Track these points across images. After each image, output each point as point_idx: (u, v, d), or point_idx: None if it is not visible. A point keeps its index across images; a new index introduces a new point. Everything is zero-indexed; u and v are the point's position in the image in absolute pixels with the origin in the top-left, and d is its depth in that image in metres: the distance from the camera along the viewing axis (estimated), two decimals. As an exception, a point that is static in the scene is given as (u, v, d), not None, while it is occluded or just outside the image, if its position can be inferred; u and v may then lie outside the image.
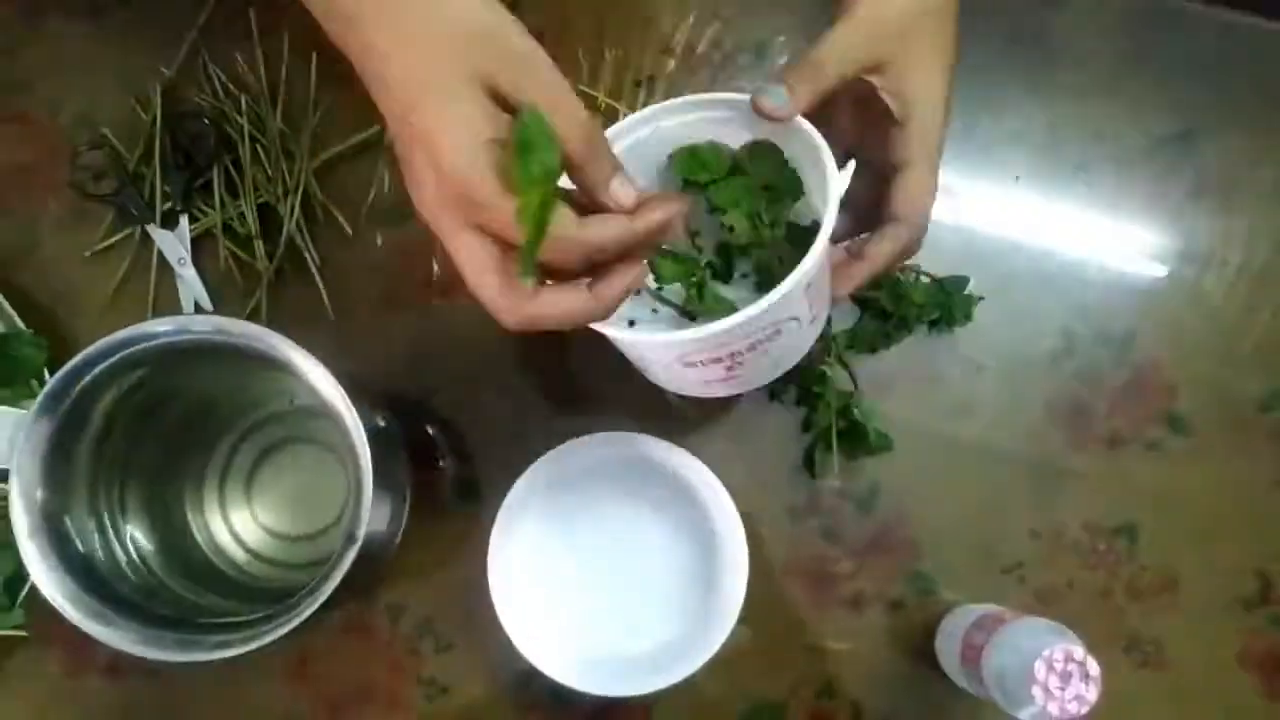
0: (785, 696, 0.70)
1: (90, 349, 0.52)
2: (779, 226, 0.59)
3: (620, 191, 0.47)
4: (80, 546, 0.55)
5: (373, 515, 0.53)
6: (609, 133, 0.57)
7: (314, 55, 0.73)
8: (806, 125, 0.55)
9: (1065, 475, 0.71)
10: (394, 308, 0.73)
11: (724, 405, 0.72)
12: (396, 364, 0.73)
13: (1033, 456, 0.71)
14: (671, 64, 0.75)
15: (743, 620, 0.66)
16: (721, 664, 0.65)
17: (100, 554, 0.56)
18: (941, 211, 0.71)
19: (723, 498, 0.67)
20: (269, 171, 0.72)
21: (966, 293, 0.71)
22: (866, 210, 0.59)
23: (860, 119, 0.58)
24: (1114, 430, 0.71)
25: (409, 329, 0.73)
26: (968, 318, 0.71)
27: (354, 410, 0.52)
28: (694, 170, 0.59)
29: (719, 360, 0.54)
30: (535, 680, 0.66)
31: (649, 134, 0.59)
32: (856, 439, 0.70)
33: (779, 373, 0.60)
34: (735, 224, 0.59)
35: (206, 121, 0.72)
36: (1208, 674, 0.70)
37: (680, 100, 0.58)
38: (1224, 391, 0.72)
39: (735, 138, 0.59)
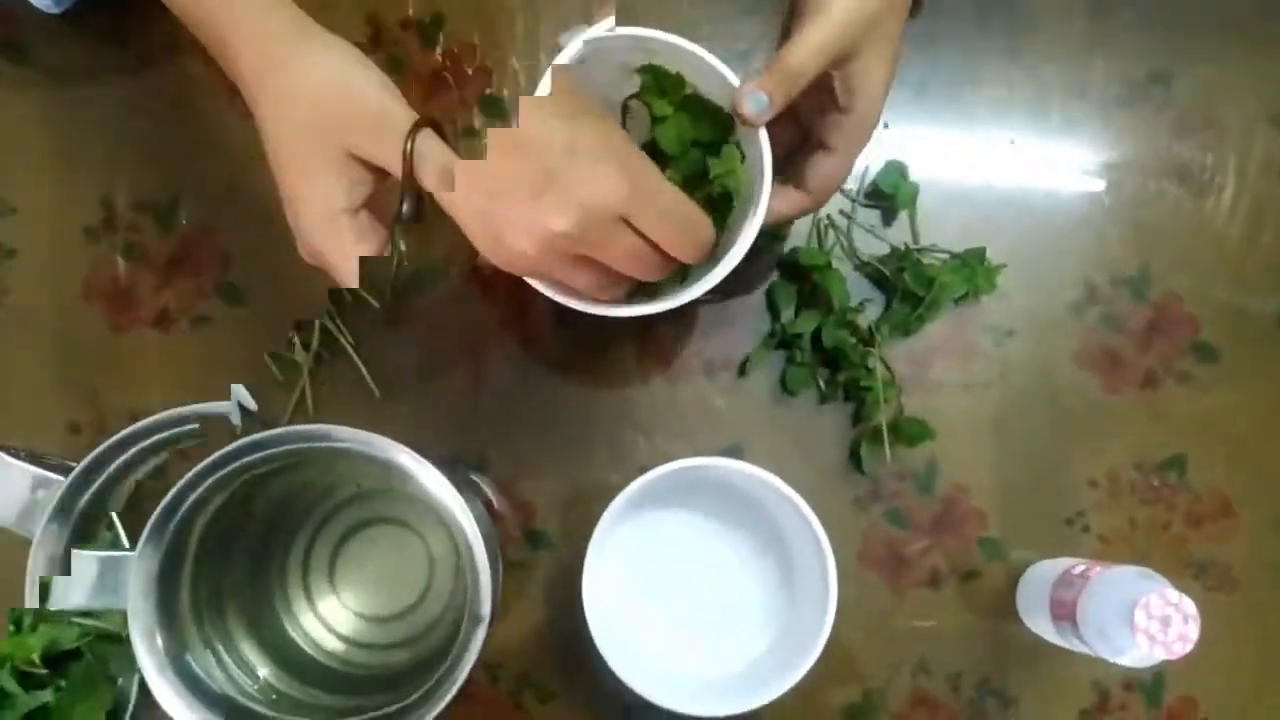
0: (884, 682, 0.72)
1: (187, 476, 0.52)
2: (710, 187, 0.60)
3: None
4: (213, 685, 0.55)
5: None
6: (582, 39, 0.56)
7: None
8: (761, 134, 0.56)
9: (1109, 420, 0.74)
10: (435, 373, 0.73)
11: (774, 410, 0.73)
12: (446, 427, 0.73)
13: (1075, 408, 0.74)
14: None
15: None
16: (818, 662, 0.66)
17: (230, 689, 0.57)
18: (943, 185, 0.74)
19: (795, 500, 0.67)
20: (288, 262, 0.72)
21: (986, 263, 0.73)
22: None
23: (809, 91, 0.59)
24: (1147, 369, 0.74)
25: (452, 391, 0.73)
26: (992, 286, 0.73)
27: (462, 501, 0.52)
28: (654, 95, 0.59)
29: None
30: (649, 713, 0.67)
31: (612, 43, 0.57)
32: (896, 431, 0.71)
33: None
34: (673, 179, 0.59)
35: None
36: (1277, 587, 0.73)
37: (627, 32, 0.56)
38: (1242, 314, 0.74)
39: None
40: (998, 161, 0.75)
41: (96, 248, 0.72)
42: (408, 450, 0.53)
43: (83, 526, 0.54)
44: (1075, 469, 0.73)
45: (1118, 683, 0.72)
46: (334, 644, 0.68)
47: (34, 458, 0.54)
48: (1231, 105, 0.76)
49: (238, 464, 0.52)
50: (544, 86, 0.53)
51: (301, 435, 0.52)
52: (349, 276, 0.52)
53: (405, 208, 0.50)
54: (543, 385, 0.74)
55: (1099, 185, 0.75)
